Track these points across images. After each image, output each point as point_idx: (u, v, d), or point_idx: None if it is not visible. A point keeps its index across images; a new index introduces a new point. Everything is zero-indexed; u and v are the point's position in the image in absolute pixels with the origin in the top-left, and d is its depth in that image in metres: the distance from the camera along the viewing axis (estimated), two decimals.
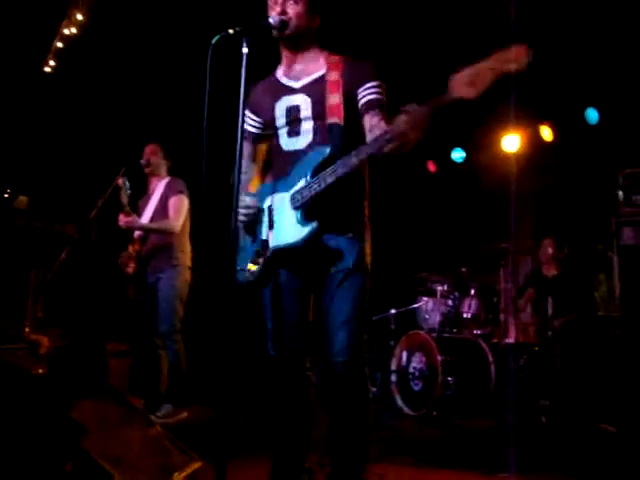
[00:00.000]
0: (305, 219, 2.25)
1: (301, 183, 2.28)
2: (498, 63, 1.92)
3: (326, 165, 2.22)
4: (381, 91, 2.38)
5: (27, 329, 4.61)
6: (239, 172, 2.11)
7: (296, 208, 2.27)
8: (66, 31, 4.96)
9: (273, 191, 2.41)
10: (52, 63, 5.44)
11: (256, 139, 2.56)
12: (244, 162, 2.48)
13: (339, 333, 2.27)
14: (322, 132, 2.36)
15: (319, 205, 2.24)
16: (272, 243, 2.33)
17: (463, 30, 5.10)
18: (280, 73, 2.51)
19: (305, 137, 2.39)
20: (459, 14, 5.02)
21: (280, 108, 2.44)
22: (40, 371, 2.30)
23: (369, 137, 2.31)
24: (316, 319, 2.46)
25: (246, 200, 2.39)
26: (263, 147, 2.56)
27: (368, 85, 2.37)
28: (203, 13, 4.61)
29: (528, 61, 1.89)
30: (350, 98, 2.36)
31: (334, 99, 2.35)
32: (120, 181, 4.25)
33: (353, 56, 2.46)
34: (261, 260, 2.35)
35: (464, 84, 1.94)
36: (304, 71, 2.45)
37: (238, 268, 2.33)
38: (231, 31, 2.12)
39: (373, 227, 2.46)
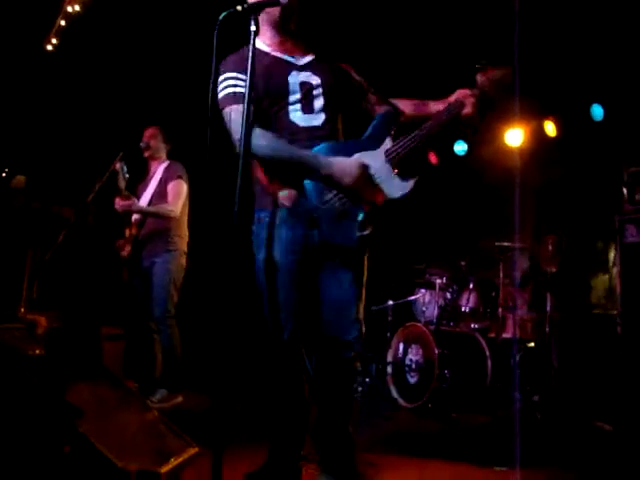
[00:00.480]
0: (405, 174, 2.41)
1: (387, 143, 2.42)
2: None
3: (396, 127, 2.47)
4: None
5: (22, 309, 4.58)
6: (247, 145, 2.04)
7: (393, 164, 2.39)
8: (69, 9, 4.89)
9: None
10: (54, 41, 5.36)
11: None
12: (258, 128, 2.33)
13: (357, 317, 2.39)
14: (334, 109, 2.47)
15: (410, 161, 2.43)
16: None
17: (467, 21, 5.04)
18: (268, 49, 2.46)
19: (319, 114, 2.42)
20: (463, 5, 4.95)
21: (293, 83, 2.41)
22: (37, 352, 2.27)
23: (384, 109, 2.57)
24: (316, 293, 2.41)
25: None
26: None
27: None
28: None
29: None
30: None
31: (359, 77, 2.57)
32: (118, 165, 4.22)
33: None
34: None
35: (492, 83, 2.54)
36: (299, 51, 2.49)
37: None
38: (239, 8, 2.08)
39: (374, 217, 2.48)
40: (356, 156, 2.34)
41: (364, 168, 2.31)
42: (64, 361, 2.44)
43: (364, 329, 2.40)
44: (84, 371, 2.43)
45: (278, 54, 2.46)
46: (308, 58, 2.49)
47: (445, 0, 4.91)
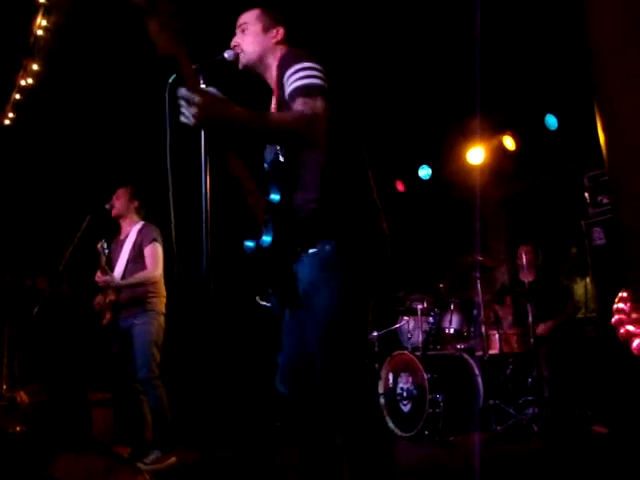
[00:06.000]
0: None
1: None
2: None
3: None
4: (308, 74, 1.89)
5: (4, 386, 4.50)
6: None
7: None
8: (22, 82, 4.91)
9: None
10: (11, 115, 5.38)
11: None
12: None
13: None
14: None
15: None
16: None
17: (424, 37, 5.10)
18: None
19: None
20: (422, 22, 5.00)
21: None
22: (18, 429, 2.23)
23: None
24: None
25: None
26: None
27: (290, 71, 1.92)
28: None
29: None
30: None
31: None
32: (99, 246, 4.20)
33: None
34: None
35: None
36: (274, 94, 2.26)
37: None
38: None
39: None
40: None
41: None
42: (48, 435, 2.40)
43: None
44: (71, 442, 2.38)
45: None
46: (274, 101, 2.25)
47: (406, 19, 4.92)
